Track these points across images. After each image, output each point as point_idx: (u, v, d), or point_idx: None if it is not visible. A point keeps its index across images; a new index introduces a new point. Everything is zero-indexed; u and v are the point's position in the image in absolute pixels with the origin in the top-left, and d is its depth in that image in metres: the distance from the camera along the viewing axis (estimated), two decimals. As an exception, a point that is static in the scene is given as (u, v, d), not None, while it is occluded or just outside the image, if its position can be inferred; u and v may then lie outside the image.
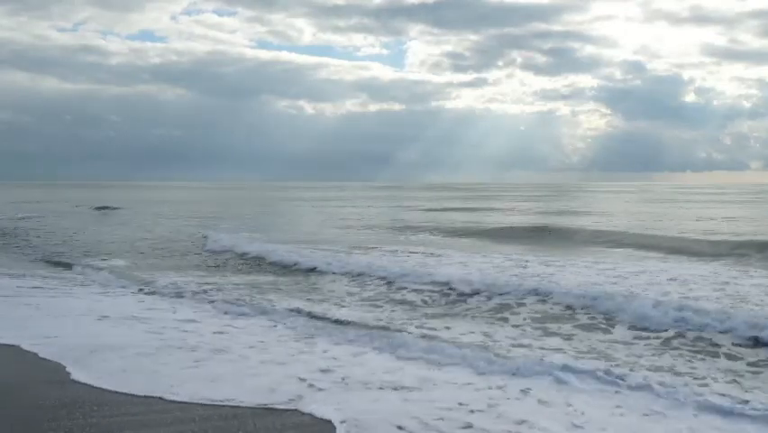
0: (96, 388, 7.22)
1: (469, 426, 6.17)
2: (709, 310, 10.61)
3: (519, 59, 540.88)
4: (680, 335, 9.85)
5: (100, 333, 9.92)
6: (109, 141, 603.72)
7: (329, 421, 6.29)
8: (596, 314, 11.28)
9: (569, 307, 11.85)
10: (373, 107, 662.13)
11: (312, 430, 6.19)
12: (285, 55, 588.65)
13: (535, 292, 12.81)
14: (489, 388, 7.31)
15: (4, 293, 13.37)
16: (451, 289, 13.75)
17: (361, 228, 32.98)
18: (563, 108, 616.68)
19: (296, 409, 6.60)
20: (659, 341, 9.69)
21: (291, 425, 6.25)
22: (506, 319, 11.41)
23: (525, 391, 7.17)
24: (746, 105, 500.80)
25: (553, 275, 15.04)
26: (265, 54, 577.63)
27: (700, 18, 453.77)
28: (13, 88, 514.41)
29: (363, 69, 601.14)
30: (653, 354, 8.97)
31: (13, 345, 9.04)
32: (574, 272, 15.53)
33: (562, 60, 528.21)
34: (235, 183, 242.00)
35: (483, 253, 20.60)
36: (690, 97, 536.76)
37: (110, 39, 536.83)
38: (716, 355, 8.92)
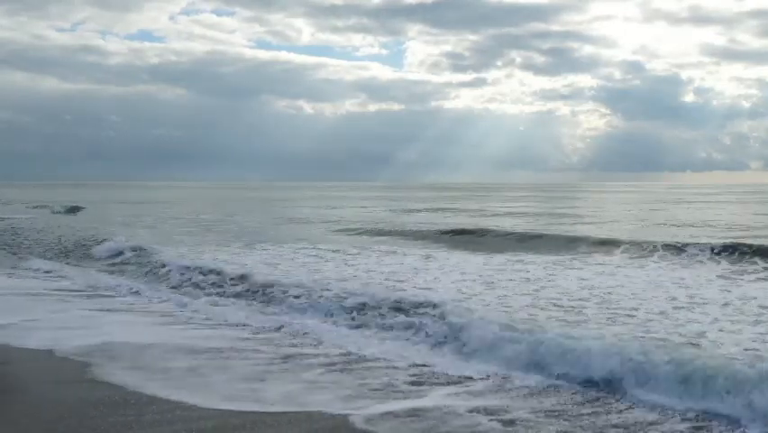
0: (117, 386, 7.69)
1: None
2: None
3: (518, 59, 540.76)
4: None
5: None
6: (109, 141, 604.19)
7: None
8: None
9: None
10: (372, 107, 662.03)
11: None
12: (284, 55, 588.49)
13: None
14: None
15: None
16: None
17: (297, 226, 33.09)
18: (563, 108, 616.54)
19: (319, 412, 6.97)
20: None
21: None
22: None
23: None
24: (746, 105, 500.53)
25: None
26: (264, 54, 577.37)
27: (699, 18, 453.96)
28: (12, 88, 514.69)
29: (362, 69, 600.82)
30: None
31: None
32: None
33: (561, 60, 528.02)
34: (234, 183, 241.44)
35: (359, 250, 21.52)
36: (689, 97, 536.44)
37: (109, 39, 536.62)
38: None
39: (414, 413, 6.98)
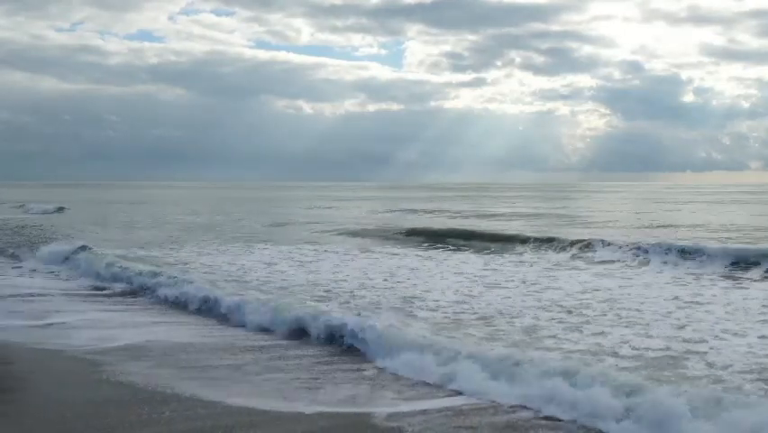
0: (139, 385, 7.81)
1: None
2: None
3: (518, 59, 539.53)
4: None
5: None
6: (109, 141, 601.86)
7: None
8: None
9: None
10: (372, 107, 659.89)
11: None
12: (283, 55, 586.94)
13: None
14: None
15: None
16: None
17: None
18: (562, 108, 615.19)
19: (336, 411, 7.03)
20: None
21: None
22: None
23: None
24: (745, 105, 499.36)
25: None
26: (263, 54, 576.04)
27: (698, 18, 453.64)
28: (12, 88, 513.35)
29: (362, 68, 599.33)
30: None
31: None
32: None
33: (561, 60, 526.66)
34: (234, 183, 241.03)
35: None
36: (688, 97, 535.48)
37: (108, 39, 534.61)
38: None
39: (444, 410, 7.02)
